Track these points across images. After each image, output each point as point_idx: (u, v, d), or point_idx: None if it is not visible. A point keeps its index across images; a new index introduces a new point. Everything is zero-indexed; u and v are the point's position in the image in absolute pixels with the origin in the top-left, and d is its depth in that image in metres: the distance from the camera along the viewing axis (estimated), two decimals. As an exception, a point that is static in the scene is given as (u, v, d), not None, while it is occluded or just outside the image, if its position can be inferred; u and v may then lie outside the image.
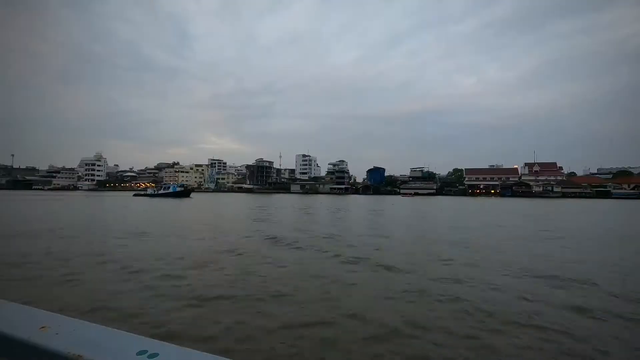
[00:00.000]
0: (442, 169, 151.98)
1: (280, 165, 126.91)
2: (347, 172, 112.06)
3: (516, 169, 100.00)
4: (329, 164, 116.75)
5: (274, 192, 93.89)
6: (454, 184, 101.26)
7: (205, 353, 0.62)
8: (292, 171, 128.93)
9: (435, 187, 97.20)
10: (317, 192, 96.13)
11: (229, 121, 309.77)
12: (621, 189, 79.40)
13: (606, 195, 76.15)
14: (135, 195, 53.89)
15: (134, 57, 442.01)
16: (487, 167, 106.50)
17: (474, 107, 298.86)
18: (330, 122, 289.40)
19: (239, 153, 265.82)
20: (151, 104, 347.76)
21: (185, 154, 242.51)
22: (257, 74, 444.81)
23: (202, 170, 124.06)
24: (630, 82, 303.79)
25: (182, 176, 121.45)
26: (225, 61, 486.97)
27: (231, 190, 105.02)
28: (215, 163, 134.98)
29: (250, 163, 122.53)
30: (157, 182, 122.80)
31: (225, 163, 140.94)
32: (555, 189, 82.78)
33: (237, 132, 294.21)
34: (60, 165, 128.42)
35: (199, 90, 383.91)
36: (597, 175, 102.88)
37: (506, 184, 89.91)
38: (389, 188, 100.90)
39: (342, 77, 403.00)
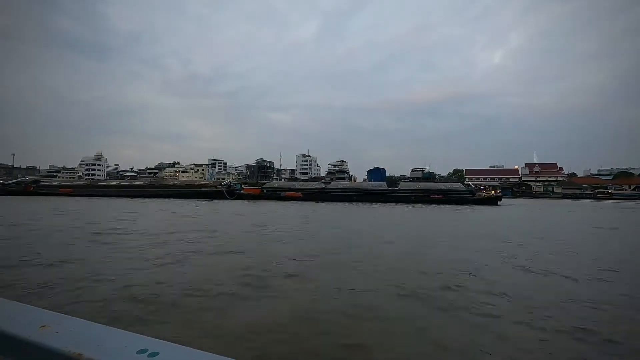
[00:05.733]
0: (442, 169, 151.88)
1: (280, 165, 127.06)
2: (348, 172, 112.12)
3: (516, 169, 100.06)
4: (329, 164, 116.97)
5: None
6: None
7: (205, 352, 0.62)
8: (293, 171, 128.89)
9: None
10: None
11: (197, 113, 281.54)
12: (621, 189, 79.38)
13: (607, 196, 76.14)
14: None
15: (44, 29, 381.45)
16: (488, 167, 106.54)
17: (466, 99, 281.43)
18: (309, 114, 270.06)
19: (234, 151, 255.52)
20: (105, 94, 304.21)
21: (184, 153, 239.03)
22: (204, 54, 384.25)
23: (203, 170, 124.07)
24: (631, 64, 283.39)
25: (183, 176, 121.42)
26: (154, 34, 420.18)
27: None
28: (215, 163, 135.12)
29: (250, 163, 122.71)
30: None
31: (225, 163, 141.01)
32: (555, 190, 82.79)
33: (211, 126, 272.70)
34: (60, 165, 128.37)
35: (147, 77, 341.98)
36: (597, 176, 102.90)
37: (506, 185, 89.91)
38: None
39: (309, 58, 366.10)
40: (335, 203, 34.29)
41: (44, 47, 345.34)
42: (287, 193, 41.93)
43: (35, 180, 56.77)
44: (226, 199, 39.08)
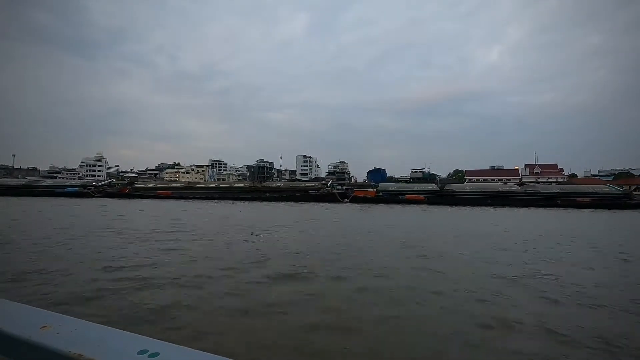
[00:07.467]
0: (442, 170, 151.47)
1: (280, 165, 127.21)
2: (348, 173, 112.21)
3: (517, 170, 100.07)
4: (329, 165, 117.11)
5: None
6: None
7: (206, 352, 0.62)
8: (293, 172, 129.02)
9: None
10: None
11: (193, 113, 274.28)
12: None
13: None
14: None
15: (25, 25, 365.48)
16: (488, 168, 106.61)
17: (465, 98, 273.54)
18: (307, 114, 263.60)
19: (234, 151, 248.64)
20: (101, 94, 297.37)
21: (183, 154, 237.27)
22: (192, 51, 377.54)
23: (203, 170, 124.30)
24: (632, 62, 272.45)
25: (183, 177, 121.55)
26: (139, 30, 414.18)
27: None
28: (215, 164, 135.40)
29: (250, 163, 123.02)
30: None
31: (226, 164, 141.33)
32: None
33: (210, 126, 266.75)
34: (61, 166, 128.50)
35: (136, 75, 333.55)
36: (598, 177, 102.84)
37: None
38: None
39: (302, 55, 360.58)
40: (470, 207, 30.65)
41: (29, 44, 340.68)
42: (408, 196, 40.15)
43: (130, 182, 57.12)
44: (339, 202, 37.37)
